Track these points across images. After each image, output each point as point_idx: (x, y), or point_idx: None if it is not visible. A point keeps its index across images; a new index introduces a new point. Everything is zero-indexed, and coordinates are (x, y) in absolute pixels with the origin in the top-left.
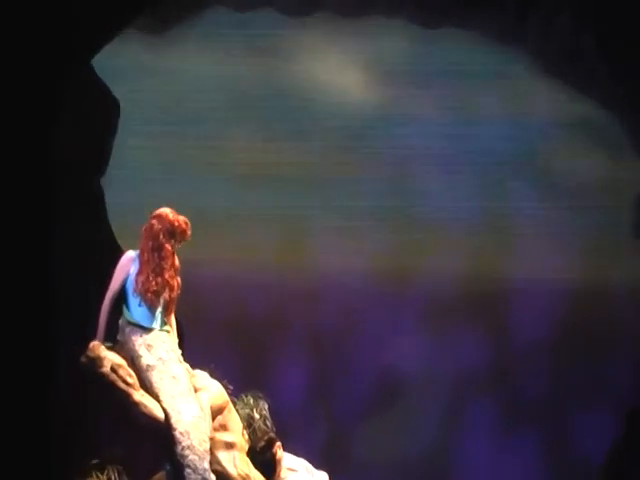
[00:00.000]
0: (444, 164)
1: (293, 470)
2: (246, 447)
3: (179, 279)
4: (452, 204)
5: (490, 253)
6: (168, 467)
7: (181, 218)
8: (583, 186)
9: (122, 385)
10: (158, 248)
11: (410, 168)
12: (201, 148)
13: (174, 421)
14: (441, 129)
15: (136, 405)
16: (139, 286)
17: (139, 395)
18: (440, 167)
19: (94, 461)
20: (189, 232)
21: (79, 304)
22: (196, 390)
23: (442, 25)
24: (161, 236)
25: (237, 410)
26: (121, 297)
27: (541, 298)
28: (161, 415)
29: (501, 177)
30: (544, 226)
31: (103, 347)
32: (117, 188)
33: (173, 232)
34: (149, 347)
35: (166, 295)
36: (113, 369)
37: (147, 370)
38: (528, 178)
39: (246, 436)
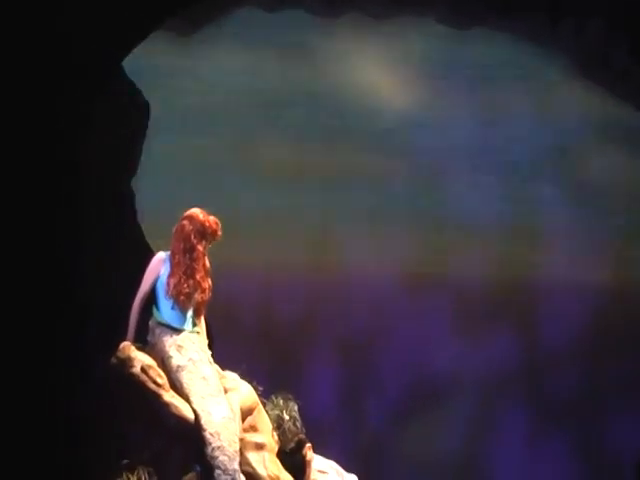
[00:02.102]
0: (473, 165)
1: (323, 472)
2: (276, 448)
3: (210, 281)
4: (481, 205)
5: (520, 253)
6: (198, 468)
7: (211, 218)
8: (613, 186)
9: (152, 386)
10: (190, 250)
11: (440, 169)
12: (230, 149)
13: (204, 422)
14: (470, 130)
15: (166, 406)
16: (171, 288)
17: (169, 396)
18: (469, 168)
19: (124, 461)
20: (220, 232)
21: (109, 305)
22: (226, 391)
23: (473, 26)
24: (192, 237)
25: (267, 411)
26: (151, 298)
27: (571, 298)
28: (191, 416)
29: (531, 178)
30: (574, 226)
31: (133, 348)
32: (147, 189)
33: (204, 233)
34: (179, 348)
35: (197, 297)
36: (143, 370)
37: (177, 371)
38: (558, 179)
39: (276, 437)
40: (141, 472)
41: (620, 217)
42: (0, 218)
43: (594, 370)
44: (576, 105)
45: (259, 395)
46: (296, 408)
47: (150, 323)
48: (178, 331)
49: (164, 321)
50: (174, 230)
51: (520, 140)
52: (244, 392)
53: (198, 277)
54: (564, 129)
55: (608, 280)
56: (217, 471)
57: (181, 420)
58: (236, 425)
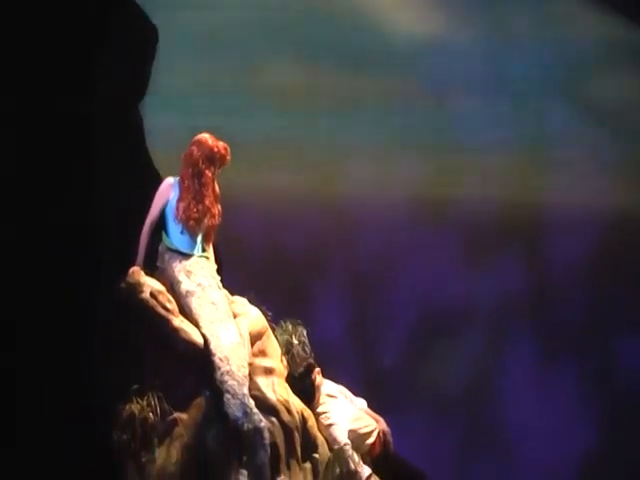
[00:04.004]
0: (481, 89)
1: (332, 396)
2: (285, 373)
3: (219, 206)
4: (492, 129)
5: (528, 178)
6: (207, 393)
7: (220, 144)
8: (622, 110)
9: (161, 311)
10: (198, 174)
11: (446, 94)
12: (239, 72)
13: (213, 346)
14: (478, 53)
15: (175, 331)
16: (180, 213)
17: (178, 321)
18: (477, 92)
19: (134, 386)
20: (228, 157)
21: (119, 231)
22: (235, 316)
23: None
24: (201, 162)
25: (276, 336)
26: (160, 223)
27: (580, 223)
28: (200, 341)
29: (539, 101)
30: (582, 150)
31: (143, 273)
32: (155, 114)
33: (213, 158)
34: (188, 273)
35: (207, 222)
36: (153, 295)
37: (186, 296)
38: (566, 102)
39: (285, 362)
40: (151, 397)
41: (629, 140)
42: (9, 147)
43: (604, 295)
44: (589, 26)
45: (268, 320)
46: (305, 333)
47: (159, 248)
48: (187, 256)
49: (173, 246)
50: (183, 155)
51: (532, 63)
52: (253, 317)
53: (207, 202)
54: (577, 50)
55: (620, 204)
56: (226, 395)
57: (190, 345)
58: (245, 350)
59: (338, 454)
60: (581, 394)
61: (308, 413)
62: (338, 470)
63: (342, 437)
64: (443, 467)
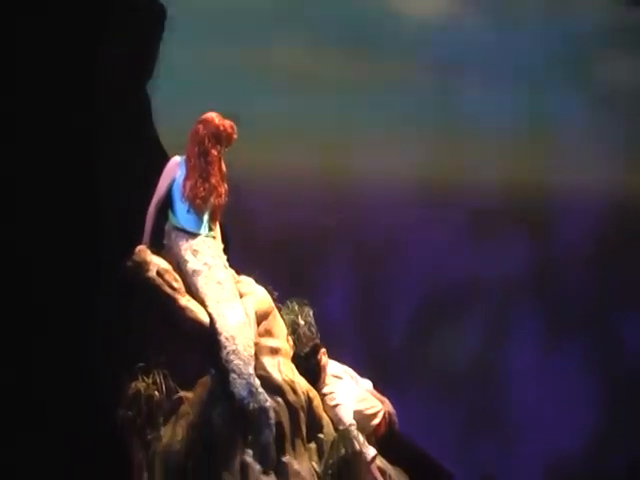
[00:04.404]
0: (487, 72)
1: (338, 377)
2: (291, 353)
3: (226, 185)
4: (497, 110)
5: (534, 161)
6: (213, 372)
7: (227, 122)
8: (628, 92)
9: (168, 290)
10: (204, 153)
11: (453, 76)
12: (248, 54)
13: (219, 326)
14: (483, 35)
15: (182, 310)
16: (187, 191)
17: (185, 300)
18: (483, 75)
19: (140, 364)
20: (235, 136)
21: (125, 209)
22: (241, 296)
23: None
24: (207, 141)
25: (282, 316)
26: (167, 202)
27: (583, 205)
28: (206, 320)
29: (545, 83)
30: (588, 133)
31: (149, 252)
32: (163, 93)
33: (219, 137)
34: (195, 252)
35: (213, 201)
36: (159, 274)
37: (193, 275)
38: (572, 84)
39: (291, 342)
40: (156, 375)
41: (636, 122)
42: (16, 124)
43: (610, 276)
44: (592, 8)
45: (274, 300)
46: (311, 313)
47: (166, 227)
48: (194, 235)
49: (180, 225)
50: (189, 134)
51: (536, 46)
52: (259, 296)
53: (214, 181)
54: (580, 33)
55: (623, 186)
56: (232, 375)
57: (196, 324)
58: (251, 330)
59: (343, 434)
60: (585, 375)
61: (314, 393)
62: (343, 450)
63: (347, 418)
64: (447, 447)
